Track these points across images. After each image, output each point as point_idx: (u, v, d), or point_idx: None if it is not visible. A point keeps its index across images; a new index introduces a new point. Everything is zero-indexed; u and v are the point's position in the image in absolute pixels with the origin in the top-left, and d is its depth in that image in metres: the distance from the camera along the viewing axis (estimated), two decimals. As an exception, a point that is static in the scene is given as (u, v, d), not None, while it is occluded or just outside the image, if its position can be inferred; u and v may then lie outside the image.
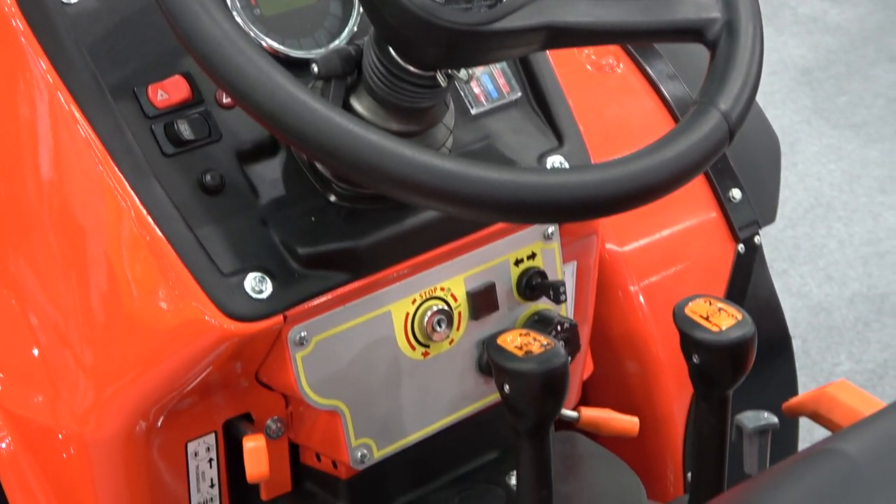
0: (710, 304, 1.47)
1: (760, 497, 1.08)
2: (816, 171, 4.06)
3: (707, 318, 1.44)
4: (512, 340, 1.36)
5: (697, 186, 1.98)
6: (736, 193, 1.98)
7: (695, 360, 1.45)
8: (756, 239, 2.04)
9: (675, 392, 1.91)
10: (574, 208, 1.33)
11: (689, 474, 1.96)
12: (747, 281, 1.99)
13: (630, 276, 1.93)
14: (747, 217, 1.98)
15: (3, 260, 1.60)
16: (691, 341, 1.45)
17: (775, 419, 1.63)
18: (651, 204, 1.87)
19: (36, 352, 1.55)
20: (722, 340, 1.43)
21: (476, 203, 1.30)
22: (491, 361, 1.40)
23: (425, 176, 1.24)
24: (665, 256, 1.98)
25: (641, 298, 1.91)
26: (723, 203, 1.97)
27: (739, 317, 1.44)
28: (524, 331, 1.40)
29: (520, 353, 1.34)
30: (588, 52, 2.10)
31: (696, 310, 1.46)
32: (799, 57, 5.03)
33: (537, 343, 1.35)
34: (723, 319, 1.43)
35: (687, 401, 1.92)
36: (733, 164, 1.99)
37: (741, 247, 1.99)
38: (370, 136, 1.23)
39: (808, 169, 3.95)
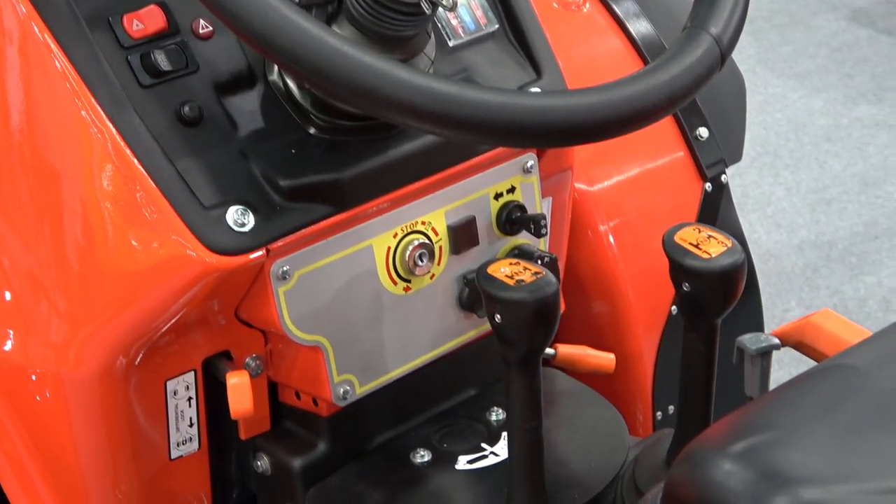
0: (700, 231, 1.46)
1: (776, 413, 1.09)
2: (762, 119, 4.11)
3: (697, 246, 1.43)
4: (502, 269, 1.36)
5: (665, 125, 1.98)
6: (703, 132, 1.98)
7: (685, 288, 1.45)
8: (723, 178, 2.04)
9: (645, 332, 1.93)
10: (571, 131, 1.33)
11: (660, 413, 1.98)
12: (714, 219, 1.98)
13: (600, 216, 1.92)
14: (714, 156, 1.99)
15: None
16: (681, 269, 1.44)
17: (777, 340, 1.63)
18: (620, 143, 1.83)
19: (8, 294, 1.54)
20: (713, 267, 1.43)
21: (474, 126, 1.30)
22: (481, 290, 1.39)
23: (423, 98, 1.24)
24: (634, 195, 1.98)
25: (611, 238, 1.91)
26: (690, 142, 1.97)
27: (729, 244, 1.44)
28: (514, 260, 1.40)
29: (511, 282, 1.34)
30: None
31: (686, 237, 1.45)
32: None
33: (528, 272, 1.35)
34: (712, 247, 1.43)
35: (656, 341, 1.95)
36: (700, 103, 1.98)
37: (708, 185, 2.00)
38: (367, 58, 1.23)
39: (754, 118, 3.92)
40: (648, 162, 2.00)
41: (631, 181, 1.98)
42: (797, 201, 3.76)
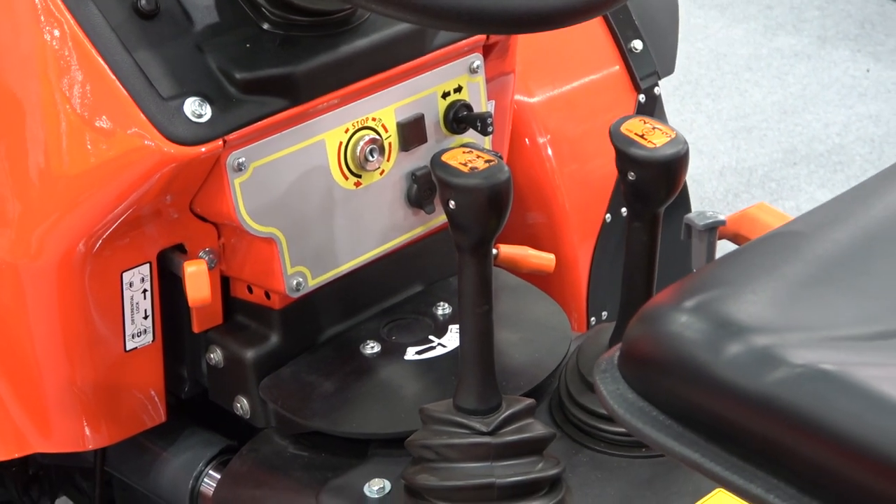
0: (645, 122, 1.49)
1: (726, 272, 1.12)
2: (685, 49, 4.07)
3: (643, 136, 1.46)
4: (457, 157, 1.38)
5: (601, 39, 2.04)
6: (637, 45, 2.02)
7: (630, 177, 1.47)
8: (656, 90, 2.08)
9: (580, 240, 1.97)
10: (530, 18, 1.37)
11: (594, 319, 2.02)
12: None
13: (538, 128, 1.96)
14: (648, 68, 2.04)
15: None
16: (627, 158, 1.47)
17: (722, 217, 1.67)
18: (559, 56, 2.00)
19: None
20: (657, 156, 1.45)
21: (441, 11, 1.33)
22: (435, 177, 1.41)
23: None
24: (571, 108, 2.01)
25: (549, 150, 1.95)
26: (625, 54, 2.02)
27: (673, 135, 1.47)
28: (467, 148, 1.41)
29: (465, 169, 1.35)
30: None
31: (632, 128, 1.47)
32: None
33: (481, 159, 1.37)
34: (657, 137, 1.46)
35: (591, 249, 1.99)
36: (635, 17, 2.04)
37: (642, 97, 2.03)
38: None
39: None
40: (585, 75, 2.02)
41: (568, 94, 2.00)
42: (718, 129, 3.81)
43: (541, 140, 1.96)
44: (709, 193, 3.43)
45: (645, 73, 2.04)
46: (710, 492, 1.49)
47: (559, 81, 2.00)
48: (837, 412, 0.95)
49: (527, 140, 1.97)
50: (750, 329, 1.02)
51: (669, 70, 2.14)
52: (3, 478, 1.93)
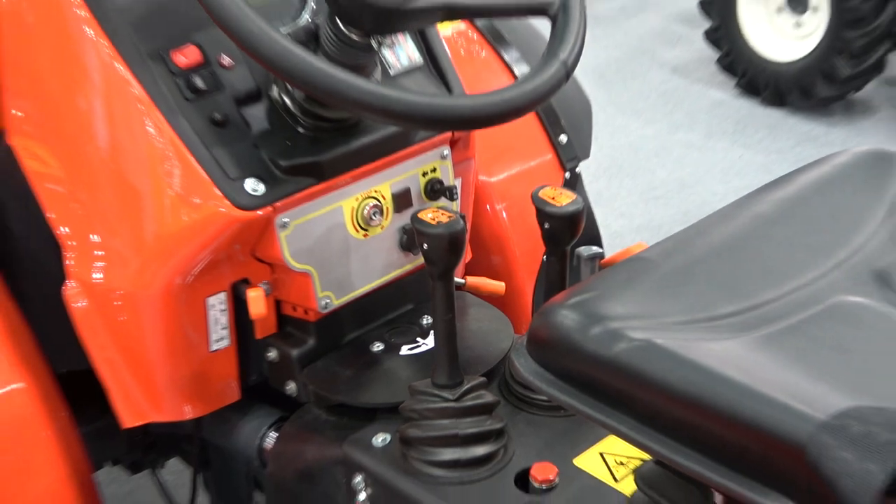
0: (555, 190, 1.53)
1: (596, 285, 1.18)
2: (611, 143, 4.15)
3: (553, 199, 1.51)
4: (428, 215, 1.41)
5: (538, 135, 2.05)
6: (563, 138, 2.03)
7: (546, 227, 1.53)
8: (577, 170, 2.10)
9: (526, 275, 1.97)
10: (474, 119, 1.44)
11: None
12: None
13: (496, 198, 1.97)
14: (571, 154, 2.04)
15: (73, 181, 1.57)
16: (544, 214, 1.52)
17: (601, 249, 1.77)
18: (509, 148, 1.99)
19: (99, 237, 1.55)
20: (564, 212, 1.51)
21: (408, 116, 1.40)
22: (414, 229, 1.44)
23: (377, 99, 1.34)
24: (517, 184, 2.00)
25: (504, 214, 1.96)
26: (555, 145, 2.03)
27: (573, 197, 1.52)
28: (435, 208, 1.44)
29: (433, 222, 1.39)
30: (461, 42, 2.10)
31: (547, 194, 1.52)
32: (596, 64, 5.07)
33: (445, 216, 1.40)
34: (563, 199, 1.51)
35: (533, 282, 1.97)
36: (561, 119, 2.05)
37: (567, 174, 2.04)
38: (340, 73, 1.31)
39: (606, 143, 4.02)
40: (528, 161, 2.03)
41: (517, 175, 2.00)
42: (635, 198, 3.81)
43: (498, 206, 1.97)
44: (628, 242, 3.44)
45: (569, 158, 2.05)
46: (604, 437, 1.49)
47: (511, 166, 2.01)
48: (662, 369, 1.00)
49: (488, 206, 1.99)
50: (607, 318, 1.07)
51: (586, 155, 2.13)
52: (132, 444, 1.90)
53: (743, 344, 1.02)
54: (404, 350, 1.68)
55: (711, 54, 4.78)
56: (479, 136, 1.87)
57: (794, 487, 0.88)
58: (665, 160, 4.14)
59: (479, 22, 2.10)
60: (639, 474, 1.16)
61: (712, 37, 4.72)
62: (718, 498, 1.05)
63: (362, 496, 1.48)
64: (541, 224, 1.53)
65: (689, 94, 4.72)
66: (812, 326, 1.05)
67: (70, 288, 1.55)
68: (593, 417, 1.06)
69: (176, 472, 2.23)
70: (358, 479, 1.48)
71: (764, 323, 1.05)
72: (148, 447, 1.95)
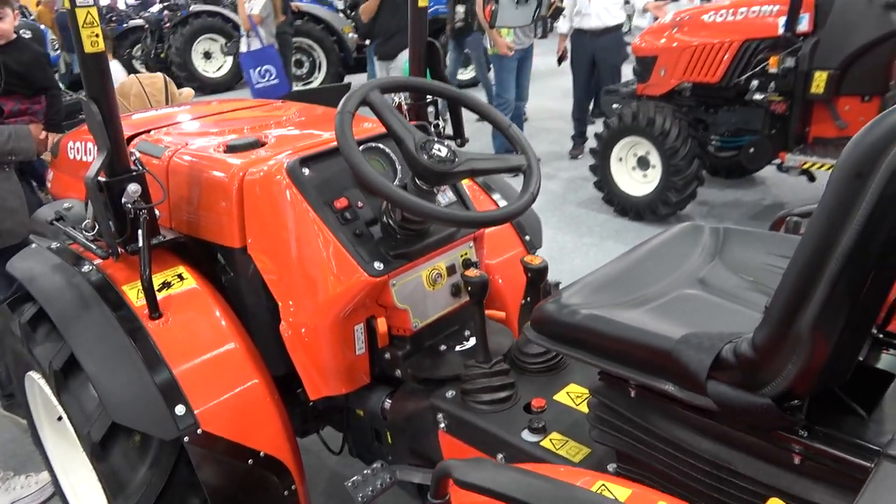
0: (532, 258, 1.61)
1: (564, 294, 1.20)
2: (547, 245, 3.87)
3: (532, 262, 1.59)
4: (470, 272, 1.49)
5: (514, 237, 2.01)
6: (527, 237, 2.04)
7: (529, 276, 1.59)
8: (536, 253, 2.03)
9: (513, 309, 1.89)
10: (494, 221, 1.52)
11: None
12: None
13: (495, 271, 1.92)
14: (531, 247, 2.01)
15: (281, 272, 1.55)
16: (529, 268, 1.59)
17: (560, 280, 1.77)
18: (499, 246, 1.93)
19: (294, 298, 1.55)
20: (539, 266, 1.59)
21: (457, 221, 1.52)
22: (463, 279, 1.49)
23: (442, 215, 1.43)
24: (506, 263, 1.94)
25: (500, 279, 1.91)
26: (523, 242, 2.02)
27: (542, 260, 1.60)
28: (472, 270, 1.50)
29: (473, 276, 1.47)
30: (471, 188, 1.99)
31: (528, 259, 1.61)
32: (536, 203, 4.94)
33: (478, 272, 1.48)
34: (536, 261, 1.59)
35: (517, 312, 1.85)
36: (525, 227, 2.04)
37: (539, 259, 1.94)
38: (425, 203, 1.40)
39: (544, 244, 3.89)
40: (508, 252, 1.98)
41: (504, 261, 1.95)
42: (566, 274, 3.63)
43: (497, 276, 1.92)
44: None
45: (530, 249, 2.02)
46: (569, 384, 1.51)
47: (501, 255, 1.95)
48: (602, 324, 1.07)
49: (493, 276, 1.93)
50: (572, 305, 1.14)
51: (539, 247, 2.08)
52: (307, 417, 1.85)
53: (640, 312, 1.10)
54: (457, 348, 1.68)
55: (598, 195, 4.71)
56: (486, 239, 1.85)
57: (670, 373, 0.97)
58: (577, 254, 4.05)
59: (479, 179, 2.05)
60: (591, 388, 1.19)
61: (598, 185, 4.69)
62: (633, 392, 1.10)
63: (442, 425, 1.51)
64: (526, 274, 1.59)
65: (588, 217, 4.62)
66: (670, 303, 1.13)
67: (283, 326, 1.58)
68: (570, 355, 1.13)
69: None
70: (440, 416, 1.51)
71: (648, 303, 1.13)
72: (316, 417, 1.89)
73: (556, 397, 1.46)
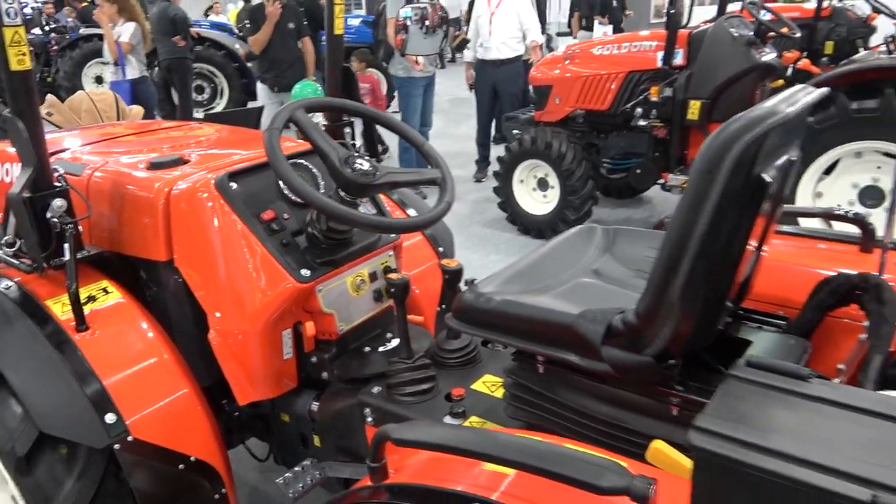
0: (449, 261, 1.69)
1: (484, 281, 1.31)
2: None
3: (449, 265, 1.67)
4: (392, 276, 1.59)
5: (428, 250, 2.05)
6: (440, 250, 2.08)
7: (446, 277, 1.68)
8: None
9: (430, 314, 1.95)
10: (415, 226, 1.62)
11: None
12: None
13: (413, 282, 1.74)
14: (444, 256, 2.03)
15: (208, 284, 1.60)
16: (444, 270, 1.68)
17: (476, 278, 1.84)
18: (416, 258, 1.98)
19: (221, 309, 1.58)
20: (456, 268, 1.67)
21: (382, 228, 1.61)
22: (387, 280, 1.58)
23: (366, 221, 1.51)
24: (422, 276, 1.97)
25: (417, 290, 1.91)
26: (438, 254, 2.06)
27: (457, 264, 1.69)
28: (396, 274, 1.60)
29: (395, 278, 1.57)
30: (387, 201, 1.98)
31: (446, 263, 1.68)
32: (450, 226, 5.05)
33: (399, 275, 1.58)
34: (453, 264, 1.68)
35: (434, 317, 1.95)
36: (438, 241, 2.10)
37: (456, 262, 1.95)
38: (350, 211, 1.48)
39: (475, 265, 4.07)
40: (424, 263, 2.02)
41: (421, 272, 1.97)
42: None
43: (414, 288, 1.86)
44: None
45: (443, 258, 1.93)
46: (483, 375, 1.58)
47: (418, 267, 1.97)
48: (512, 307, 1.17)
49: (411, 286, 1.82)
50: (486, 294, 1.25)
51: (453, 256, 2.08)
52: (231, 426, 1.85)
53: (545, 297, 1.23)
54: (381, 349, 1.74)
55: (502, 215, 4.86)
56: (403, 252, 1.91)
57: (572, 344, 1.10)
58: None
59: (394, 196, 2.09)
60: (505, 370, 1.30)
61: (501, 205, 4.87)
62: (542, 368, 1.22)
63: (369, 419, 1.55)
64: (444, 276, 1.68)
65: (493, 236, 4.75)
66: (570, 290, 1.27)
67: (211, 335, 1.61)
68: (487, 337, 1.25)
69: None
70: (367, 410, 1.55)
71: (551, 290, 1.27)
72: (241, 428, 1.89)
73: (473, 386, 1.55)
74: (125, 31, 5.68)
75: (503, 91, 5.62)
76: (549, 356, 1.16)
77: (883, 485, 0.60)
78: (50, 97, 3.65)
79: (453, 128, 7.90)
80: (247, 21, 5.31)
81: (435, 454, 0.99)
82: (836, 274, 1.23)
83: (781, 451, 0.64)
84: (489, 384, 1.59)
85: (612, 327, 1.05)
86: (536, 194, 4.76)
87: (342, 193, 1.53)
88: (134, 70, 5.78)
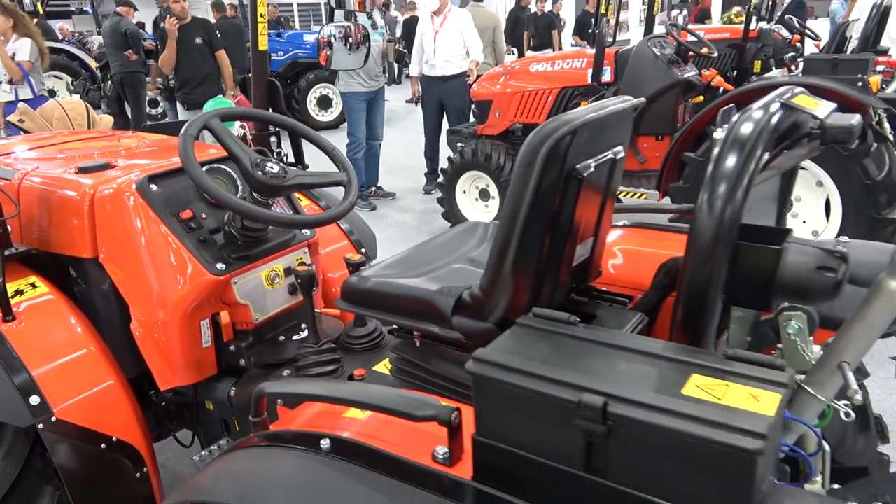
0: (354, 254, 1.79)
1: (374, 268, 1.51)
2: None
3: (352, 257, 1.74)
4: (300, 268, 1.68)
5: (351, 251, 2.14)
6: (363, 251, 2.17)
7: (350, 269, 1.70)
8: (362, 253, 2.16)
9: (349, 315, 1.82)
10: (326, 220, 1.69)
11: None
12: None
13: (336, 283, 2.04)
14: (368, 258, 2.09)
15: (132, 279, 1.66)
16: (348, 263, 1.71)
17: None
18: (340, 256, 1.95)
19: (143, 304, 1.66)
20: (357, 262, 1.71)
21: (286, 223, 1.68)
22: (294, 272, 1.68)
23: (276, 219, 1.61)
24: (332, 256, 2.07)
25: (336, 289, 2.00)
26: (361, 254, 2.13)
27: (360, 256, 1.74)
28: (304, 266, 1.70)
29: (302, 270, 1.66)
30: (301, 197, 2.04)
31: (350, 256, 1.74)
32: (394, 231, 5.05)
33: (307, 267, 1.68)
34: (357, 257, 1.74)
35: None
36: (361, 241, 2.19)
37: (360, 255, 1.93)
38: (262, 210, 1.58)
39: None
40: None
41: (344, 273, 1.79)
42: None
43: (335, 289, 2.01)
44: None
45: (368, 260, 2.02)
46: (385, 358, 1.64)
47: (342, 268, 1.90)
48: (391, 288, 1.31)
49: (333, 287, 2.06)
50: (368, 277, 1.37)
51: (375, 257, 2.17)
52: (160, 417, 1.91)
53: (418, 280, 1.37)
54: (294, 338, 1.83)
55: (447, 224, 4.89)
56: (329, 255, 2.01)
57: (433, 316, 1.25)
58: None
59: (318, 200, 2.20)
60: (390, 347, 1.44)
61: (445, 215, 5.00)
62: (418, 342, 1.38)
63: (280, 401, 1.54)
64: (348, 268, 1.73)
65: None
66: (442, 274, 1.42)
67: (133, 325, 1.70)
68: (368, 314, 1.37)
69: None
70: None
71: (426, 274, 1.41)
72: (168, 418, 1.94)
73: (375, 368, 1.64)
74: (20, 49, 5.16)
75: (449, 105, 5.82)
76: (415, 328, 1.32)
77: (613, 395, 0.76)
78: (22, 105, 3.71)
79: (406, 141, 8.03)
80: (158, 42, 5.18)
81: (310, 412, 1.14)
82: (670, 259, 1.40)
83: (536, 372, 0.81)
84: (389, 366, 1.70)
85: (461, 300, 1.21)
86: (479, 204, 4.94)
87: (255, 195, 1.65)
88: (27, 90, 5.17)
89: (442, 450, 0.93)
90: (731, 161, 0.87)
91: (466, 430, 0.92)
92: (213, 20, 7.77)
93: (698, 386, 0.77)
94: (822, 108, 0.98)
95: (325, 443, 0.98)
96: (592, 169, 1.18)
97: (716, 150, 0.89)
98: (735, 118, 0.92)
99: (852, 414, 0.96)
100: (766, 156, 0.91)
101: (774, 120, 0.91)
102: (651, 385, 0.78)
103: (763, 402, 0.73)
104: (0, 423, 1.54)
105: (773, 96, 0.98)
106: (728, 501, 0.69)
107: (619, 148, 1.30)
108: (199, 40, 5.09)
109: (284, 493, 0.93)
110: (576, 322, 0.93)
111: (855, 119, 0.97)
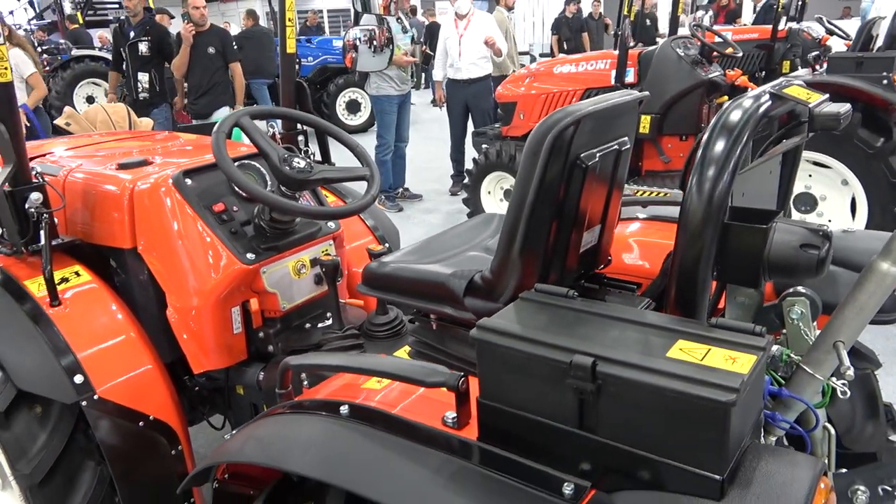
0: (376, 245, 1.87)
1: (391, 256, 1.60)
2: None
3: (375, 248, 1.83)
4: (325, 257, 1.75)
5: (375, 245, 2.14)
6: (386, 245, 2.18)
7: (372, 258, 1.71)
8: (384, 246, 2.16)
9: (372, 306, 1.92)
10: (350, 212, 1.77)
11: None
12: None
13: (350, 262, 2.09)
14: (391, 252, 2.06)
15: (168, 267, 1.72)
16: (371, 253, 1.79)
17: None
18: (355, 239, 2.11)
19: (178, 291, 1.72)
20: (378, 252, 1.78)
21: (310, 214, 1.75)
22: (319, 262, 1.75)
23: (294, 208, 1.66)
24: (357, 250, 2.11)
25: (353, 267, 2.07)
26: (377, 239, 2.19)
27: (383, 247, 1.85)
28: (329, 255, 1.75)
29: (326, 259, 1.74)
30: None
31: (373, 247, 1.84)
32: (421, 231, 5.16)
33: (331, 257, 1.75)
34: (379, 248, 1.84)
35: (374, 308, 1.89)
36: (385, 235, 2.24)
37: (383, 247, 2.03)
38: (290, 202, 1.64)
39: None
40: (359, 241, 2.15)
41: (355, 247, 2.10)
42: None
43: (354, 269, 2.05)
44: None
45: (384, 244, 2.13)
46: (403, 346, 1.67)
47: (366, 261, 1.76)
48: (410, 273, 1.36)
49: (347, 268, 2.06)
50: (388, 263, 1.44)
51: (398, 247, 2.17)
52: (194, 402, 1.98)
53: (435, 265, 1.42)
54: (319, 325, 1.88)
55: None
56: (355, 249, 2.05)
57: (447, 298, 1.31)
58: None
59: (344, 196, 2.24)
60: (409, 330, 1.50)
61: (470, 216, 4.91)
62: (434, 325, 1.43)
63: (306, 383, 1.65)
64: (370, 258, 1.76)
65: None
66: (458, 260, 1.47)
67: (169, 312, 1.77)
68: (388, 298, 1.42)
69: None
70: (303, 375, 1.63)
71: (443, 260, 1.47)
72: (201, 403, 2.01)
73: (395, 353, 1.67)
74: (21, 62, 5.06)
75: (475, 108, 5.88)
76: (430, 310, 1.37)
77: (601, 356, 0.82)
78: (68, 109, 3.88)
79: (431, 144, 8.08)
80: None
81: (331, 386, 1.22)
82: (677, 247, 1.47)
83: (532, 337, 0.88)
84: (405, 351, 1.73)
85: (472, 282, 1.28)
86: (503, 204, 4.98)
87: (283, 189, 1.73)
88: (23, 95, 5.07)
89: (451, 415, 1.00)
90: (719, 146, 0.93)
91: (474, 398, 0.98)
92: (244, 27, 7.92)
93: (682, 349, 0.83)
94: (812, 98, 1.03)
95: (344, 409, 1.06)
96: (597, 158, 1.24)
97: (705, 136, 0.95)
98: (725, 106, 0.98)
99: (847, 391, 1.00)
100: (763, 145, 0.94)
101: (762, 109, 0.96)
102: (639, 349, 0.84)
103: (739, 363, 0.79)
104: (47, 401, 1.62)
105: (766, 87, 1.03)
106: (704, 452, 0.75)
107: (625, 139, 1.36)
108: (212, 49, 5.02)
109: (306, 451, 1.01)
110: (574, 296, 0.99)
111: (843, 108, 1.02)
